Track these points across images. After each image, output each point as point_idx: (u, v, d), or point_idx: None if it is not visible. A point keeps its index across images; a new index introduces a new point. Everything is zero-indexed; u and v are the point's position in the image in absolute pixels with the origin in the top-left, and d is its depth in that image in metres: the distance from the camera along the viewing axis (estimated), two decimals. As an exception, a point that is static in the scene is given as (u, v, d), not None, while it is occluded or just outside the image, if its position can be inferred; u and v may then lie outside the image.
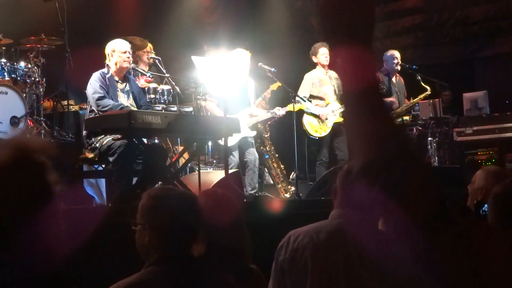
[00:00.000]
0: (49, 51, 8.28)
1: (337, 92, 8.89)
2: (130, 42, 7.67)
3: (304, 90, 8.73)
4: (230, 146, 7.82)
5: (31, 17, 8.72)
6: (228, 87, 7.00)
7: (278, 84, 8.34)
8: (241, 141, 8.01)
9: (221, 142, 7.66)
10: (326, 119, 8.62)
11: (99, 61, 6.83)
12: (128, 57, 6.73)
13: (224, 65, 7.00)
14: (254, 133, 8.21)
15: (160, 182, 6.05)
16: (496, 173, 3.96)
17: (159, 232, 2.68)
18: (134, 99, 6.74)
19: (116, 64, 6.65)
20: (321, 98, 8.81)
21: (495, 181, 2.61)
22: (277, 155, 8.69)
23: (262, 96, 8.64)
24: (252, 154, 8.12)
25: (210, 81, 6.89)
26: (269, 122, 8.55)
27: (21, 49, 8.16)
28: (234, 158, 7.97)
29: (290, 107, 8.11)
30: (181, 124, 5.86)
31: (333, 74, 8.96)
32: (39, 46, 8.08)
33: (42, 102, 7.96)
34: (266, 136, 8.55)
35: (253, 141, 8.24)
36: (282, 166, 8.68)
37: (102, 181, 7.09)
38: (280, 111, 8.10)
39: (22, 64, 7.90)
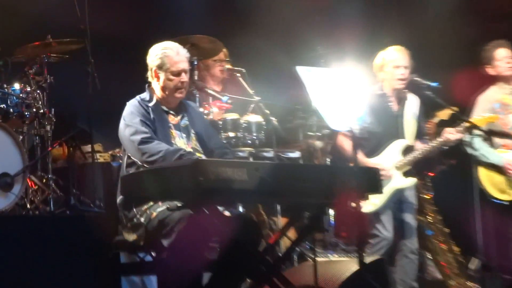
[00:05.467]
0: (59, 64, 7.67)
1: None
2: (193, 45, 7.33)
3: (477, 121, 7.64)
4: (373, 211, 7.41)
5: (31, 12, 8.12)
6: (364, 115, 6.57)
7: (449, 111, 7.64)
8: (393, 199, 7.47)
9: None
10: None
11: (141, 79, 6.24)
12: (183, 81, 6.18)
13: (354, 79, 6.41)
14: (413, 181, 7.57)
15: (249, 280, 5.84)
16: None
17: None
18: (199, 139, 6.33)
19: (163, 89, 6.22)
20: (507, 135, 8.26)
21: None
22: (447, 230, 8.17)
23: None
24: (410, 229, 7.46)
25: (329, 106, 6.41)
26: (431, 173, 7.77)
27: (15, 61, 7.41)
28: (386, 232, 7.43)
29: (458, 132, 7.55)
30: (281, 181, 5.42)
31: None
32: (43, 56, 7.44)
33: (50, 148, 7.40)
34: (427, 197, 8.05)
35: (413, 198, 7.59)
36: (455, 248, 8.11)
37: (152, 280, 6.74)
38: (453, 135, 7.51)
39: (17, 86, 7.23)
